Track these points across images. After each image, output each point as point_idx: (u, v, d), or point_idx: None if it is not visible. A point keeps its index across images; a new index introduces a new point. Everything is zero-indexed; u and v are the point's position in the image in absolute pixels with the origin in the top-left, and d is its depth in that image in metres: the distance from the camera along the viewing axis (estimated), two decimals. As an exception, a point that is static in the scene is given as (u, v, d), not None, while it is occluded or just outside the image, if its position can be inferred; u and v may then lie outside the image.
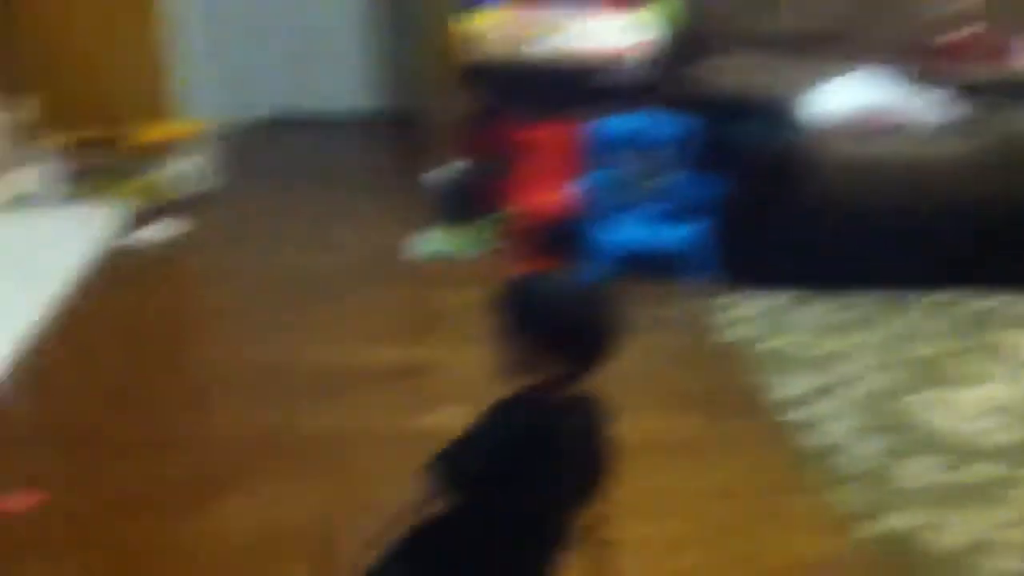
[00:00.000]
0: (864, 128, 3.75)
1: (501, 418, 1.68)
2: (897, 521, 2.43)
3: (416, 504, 1.66)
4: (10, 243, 3.83)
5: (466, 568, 1.69)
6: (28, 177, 4.08)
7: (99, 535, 2.28)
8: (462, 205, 4.34)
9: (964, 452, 2.72)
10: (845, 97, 3.81)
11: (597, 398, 1.76)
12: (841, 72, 3.92)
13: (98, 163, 4.40)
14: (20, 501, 2.35)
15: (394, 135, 5.78)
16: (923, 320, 3.54)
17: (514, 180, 4.08)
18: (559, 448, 1.67)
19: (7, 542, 2.25)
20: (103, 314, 3.41)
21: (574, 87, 4.38)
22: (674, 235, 3.85)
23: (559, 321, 1.69)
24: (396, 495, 1.82)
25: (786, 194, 3.66)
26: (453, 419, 2.79)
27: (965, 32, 4.07)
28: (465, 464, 1.66)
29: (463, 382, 3.02)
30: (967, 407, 2.96)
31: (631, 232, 3.86)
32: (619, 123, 3.94)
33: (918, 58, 4.02)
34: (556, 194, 4.01)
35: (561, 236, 3.99)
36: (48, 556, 2.23)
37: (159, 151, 4.48)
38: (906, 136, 3.74)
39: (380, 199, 5.00)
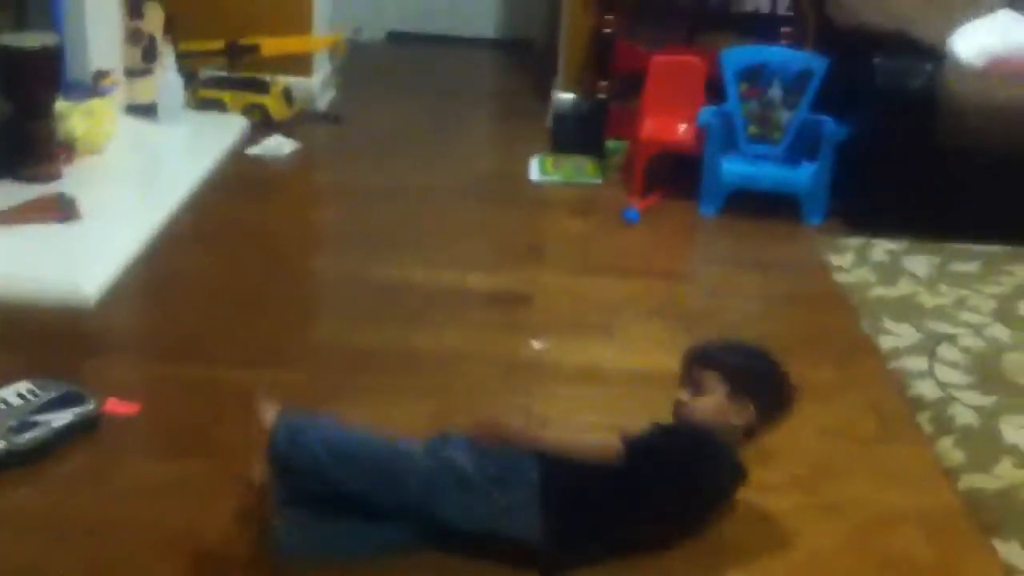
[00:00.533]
0: (1010, 70, 3.59)
1: (691, 438, 2.04)
2: (1000, 478, 2.36)
3: (591, 456, 1.93)
4: (129, 152, 3.89)
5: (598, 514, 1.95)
6: (152, 86, 4.15)
7: (197, 442, 2.33)
8: (582, 132, 4.31)
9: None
10: (992, 36, 3.65)
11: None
12: (990, 10, 3.76)
13: (221, 75, 4.45)
14: (120, 406, 2.41)
15: (518, 59, 5.75)
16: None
17: (637, 109, 4.02)
18: (718, 484, 2.07)
19: (111, 443, 2.32)
20: (217, 227, 3.46)
21: (703, 13, 4.30)
22: (794, 174, 3.77)
23: (765, 374, 2.12)
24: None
25: (917, 136, 3.54)
26: (554, 349, 2.85)
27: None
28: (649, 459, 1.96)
29: (567, 313, 3.04)
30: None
31: (750, 168, 3.79)
32: (748, 54, 3.84)
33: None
34: (678, 125, 3.95)
35: (681, 169, 3.94)
36: (149, 457, 2.31)
37: (284, 65, 4.51)
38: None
39: (500, 122, 5.01)
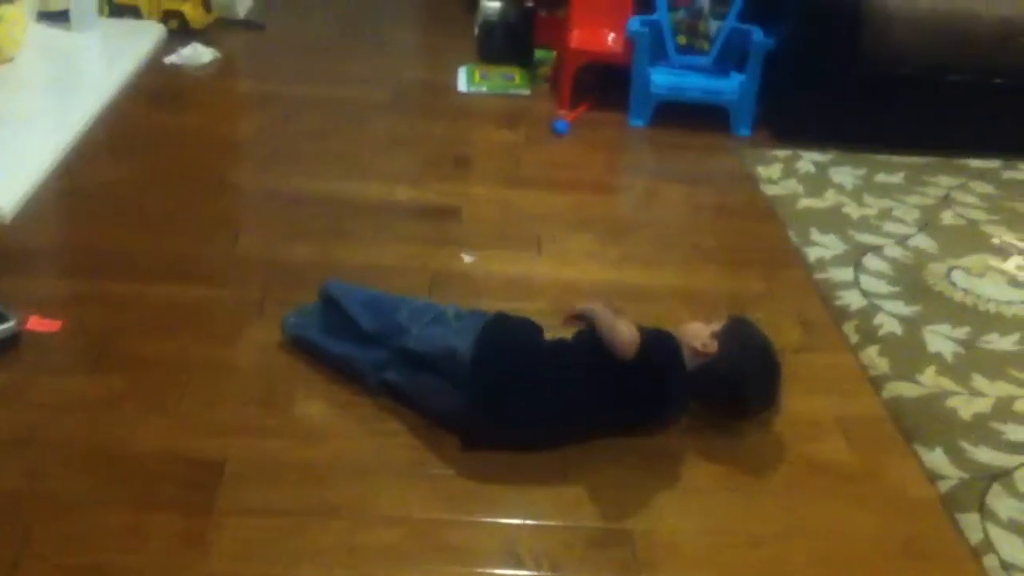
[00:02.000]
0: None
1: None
2: (923, 386, 2.40)
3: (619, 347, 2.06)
4: (41, 60, 3.76)
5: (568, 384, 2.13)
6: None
7: (120, 359, 2.30)
8: (510, 42, 4.24)
9: (992, 322, 2.70)
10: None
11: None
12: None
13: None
14: (41, 324, 2.36)
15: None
16: (969, 186, 3.45)
17: (565, 18, 3.96)
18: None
19: (33, 360, 2.27)
20: (134, 138, 3.37)
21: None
22: (723, 85, 3.76)
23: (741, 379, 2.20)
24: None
25: (843, 47, 3.54)
26: (483, 262, 2.84)
27: None
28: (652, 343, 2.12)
29: (496, 225, 3.01)
30: (1001, 277, 2.91)
31: (679, 79, 3.76)
32: (673, -36, 3.80)
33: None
34: (607, 35, 3.90)
35: (608, 79, 3.91)
36: (71, 373, 2.26)
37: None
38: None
39: (426, 31, 4.91)
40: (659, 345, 2.14)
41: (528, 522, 1.96)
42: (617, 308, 2.15)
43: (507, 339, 2.18)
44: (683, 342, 2.19)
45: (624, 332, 2.06)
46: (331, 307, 2.34)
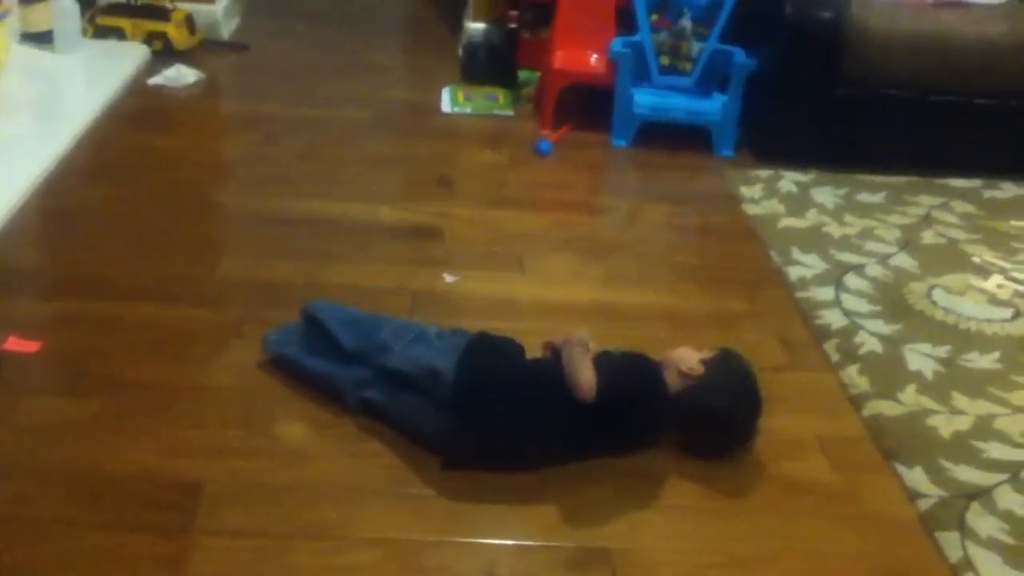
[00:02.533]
0: (922, 2, 3.63)
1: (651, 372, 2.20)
2: (903, 404, 2.41)
3: (573, 367, 2.09)
4: (24, 82, 3.76)
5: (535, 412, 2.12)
6: (47, 13, 3.99)
7: (100, 381, 2.29)
8: (493, 63, 4.25)
9: (973, 340, 2.70)
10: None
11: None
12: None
13: (120, 1, 4.30)
14: (20, 344, 2.35)
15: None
16: (950, 205, 3.47)
17: (548, 39, 3.98)
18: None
19: (11, 381, 2.26)
20: (117, 159, 3.36)
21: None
22: (705, 105, 3.78)
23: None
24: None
25: (825, 67, 3.56)
26: (465, 282, 2.84)
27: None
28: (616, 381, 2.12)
29: (478, 246, 3.02)
30: (981, 296, 2.92)
31: (662, 100, 3.78)
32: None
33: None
34: (589, 56, 3.92)
35: (591, 100, 3.92)
36: (50, 395, 2.25)
37: (184, -8, 4.39)
38: (969, 13, 3.62)
39: (410, 52, 4.92)
40: (628, 380, 2.14)
41: (508, 542, 1.96)
42: (586, 345, 2.15)
43: (489, 359, 2.18)
44: (669, 365, 2.20)
45: (583, 377, 2.06)
46: (312, 326, 2.34)
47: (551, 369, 2.16)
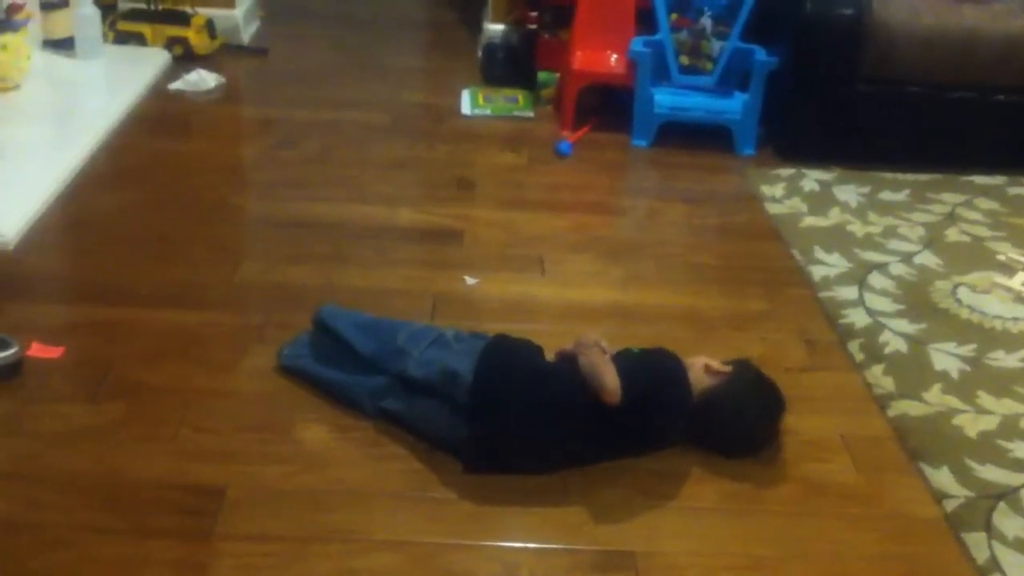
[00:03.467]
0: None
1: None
2: (929, 404, 2.38)
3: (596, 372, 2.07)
4: (46, 88, 3.78)
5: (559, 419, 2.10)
6: (68, 19, 4.01)
7: (122, 385, 2.29)
8: (513, 64, 4.25)
9: (998, 339, 2.67)
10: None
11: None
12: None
13: (140, 7, 4.32)
14: (44, 350, 2.36)
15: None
16: (974, 202, 3.43)
17: (567, 40, 3.97)
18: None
19: (35, 387, 2.27)
20: (138, 165, 3.37)
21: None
22: (726, 105, 3.76)
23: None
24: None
25: (846, 65, 3.54)
26: (485, 284, 2.83)
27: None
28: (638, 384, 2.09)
29: (499, 247, 3.01)
30: (1007, 294, 2.89)
31: (682, 99, 3.76)
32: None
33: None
34: (609, 56, 3.91)
35: (611, 100, 3.91)
36: (74, 401, 2.24)
37: (203, -2, 4.41)
38: (989, 8, 3.58)
39: (430, 54, 4.92)
40: (650, 379, 2.13)
41: (530, 545, 1.95)
42: (601, 347, 2.14)
43: (507, 361, 2.17)
44: (695, 364, 2.19)
45: (608, 380, 2.04)
46: (325, 334, 2.33)
47: (570, 371, 2.14)
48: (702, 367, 2.19)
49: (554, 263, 2.94)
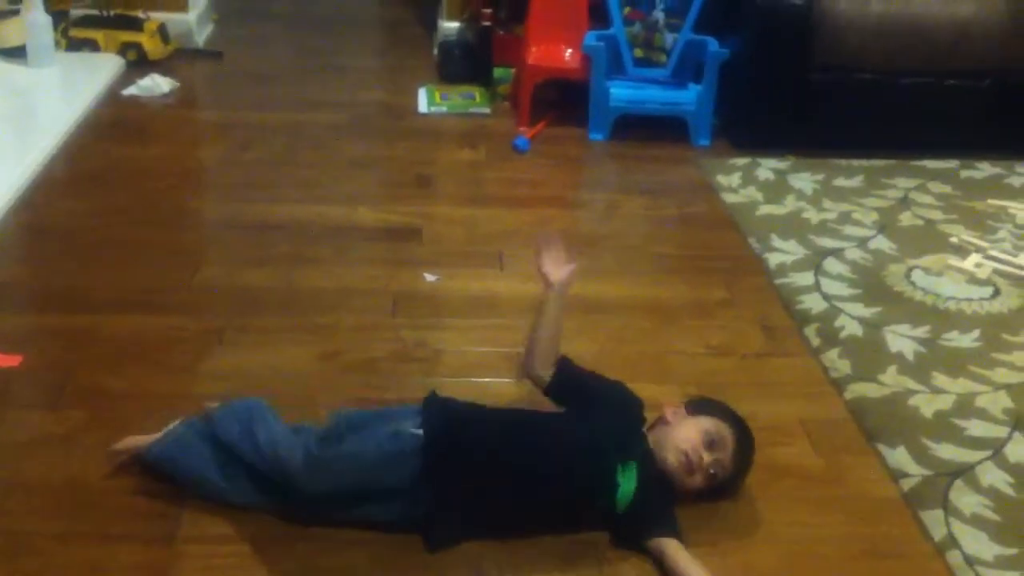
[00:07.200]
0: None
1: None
2: (885, 386, 2.42)
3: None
4: (-1, 96, 3.76)
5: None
6: (19, 27, 3.98)
7: (82, 393, 2.28)
8: (469, 61, 4.26)
9: (952, 320, 2.72)
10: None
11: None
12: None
13: (92, 13, 4.30)
14: (1, 359, 2.35)
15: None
16: (927, 186, 3.48)
17: (522, 36, 3.98)
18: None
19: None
20: (94, 171, 3.35)
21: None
22: (680, 96, 3.78)
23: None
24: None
25: (797, 54, 3.57)
26: (445, 281, 2.84)
27: None
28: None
29: (458, 244, 3.02)
30: (960, 275, 2.94)
31: (637, 92, 3.78)
32: (627, -21, 3.82)
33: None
34: (564, 51, 3.92)
35: (567, 94, 3.93)
36: (33, 408, 2.24)
37: (158, 1, 4.37)
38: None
39: (385, 53, 4.93)
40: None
41: None
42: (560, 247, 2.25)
43: (453, 404, 2.04)
44: (665, 441, 2.02)
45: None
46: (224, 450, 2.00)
47: (519, 411, 2.09)
48: (682, 460, 1.98)
49: (514, 258, 2.95)
